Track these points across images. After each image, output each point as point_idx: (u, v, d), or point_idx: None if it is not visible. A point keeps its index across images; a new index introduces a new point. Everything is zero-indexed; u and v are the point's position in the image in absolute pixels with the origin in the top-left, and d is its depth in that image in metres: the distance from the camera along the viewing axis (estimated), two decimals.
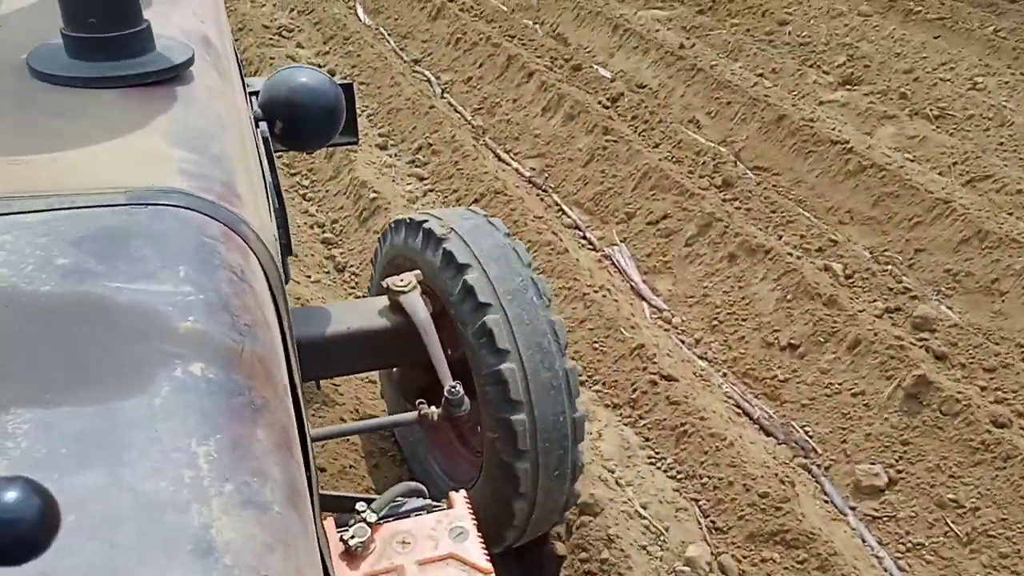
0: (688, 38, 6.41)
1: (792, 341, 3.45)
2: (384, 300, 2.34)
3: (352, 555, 1.39)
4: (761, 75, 5.82)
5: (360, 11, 7.16)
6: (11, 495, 0.41)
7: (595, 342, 3.45)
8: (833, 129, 4.89)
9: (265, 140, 1.79)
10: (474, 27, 6.33)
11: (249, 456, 0.66)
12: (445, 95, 5.89)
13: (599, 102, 5.31)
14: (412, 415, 2.21)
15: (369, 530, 1.42)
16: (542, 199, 4.71)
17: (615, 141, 4.78)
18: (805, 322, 3.47)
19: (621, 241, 4.29)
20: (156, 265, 0.78)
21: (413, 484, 1.59)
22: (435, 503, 1.55)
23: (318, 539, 0.80)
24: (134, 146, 0.95)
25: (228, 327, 0.75)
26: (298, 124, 1.94)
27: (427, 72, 6.17)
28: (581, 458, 2.30)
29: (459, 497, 1.53)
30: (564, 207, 4.61)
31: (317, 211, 4.61)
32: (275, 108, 1.91)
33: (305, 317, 2.32)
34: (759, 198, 4.31)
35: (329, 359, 2.29)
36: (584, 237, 4.39)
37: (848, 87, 5.67)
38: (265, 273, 0.92)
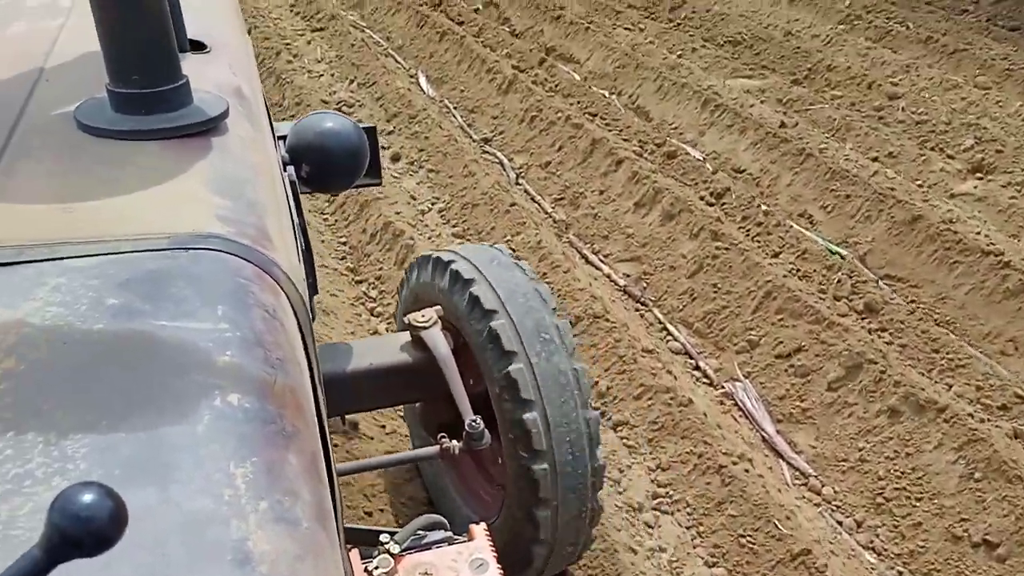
0: (785, 112, 5.80)
1: (988, 537, 2.77)
2: (406, 336, 2.38)
3: None
4: (876, 159, 5.18)
5: (423, 81, 6.65)
6: (88, 496, 0.46)
7: (741, 536, 2.80)
8: (979, 234, 4.22)
9: (292, 183, 1.82)
10: (550, 104, 5.77)
11: (282, 478, 0.73)
12: (520, 181, 5.32)
13: (701, 197, 4.70)
14: (434, 449, 2.25)
15: (392, 561, 1.45)
16: (642, 316, 4.09)
17: (726, 248, 4.16)
18: (1003, 511, 2.79)
19: (745, 376, 3.65)
20: (196, 305, 0.85)
21: (435, 517, 1.63)
22: (456, 535, 1.58)
23: (344, 569, 0.84)
24: (174, 193, 1.03)
25: (262, 361, 0.83)
26: (324, 167, 1.99)
27: (499, 153, 5.62)
28: (600, 504, 2.34)
29: (479, 530, 1.57)
30: (669, 327, 3.98)
31: (387, 330, 4.03)
32: (302, 152, 1.97)
33: (330, 354, 2.36)
34: (913, 331, 3.65)
35: (353, 394, 2.34)
36: (697, 367, 3.76)
37: (980, 176, 5.00)
38: (295, 311, 0.99)
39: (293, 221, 1.53)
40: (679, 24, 7.50)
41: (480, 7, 8.11)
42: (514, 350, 2.15)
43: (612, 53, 6.73)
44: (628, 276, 4.37)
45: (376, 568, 1.44)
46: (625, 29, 7.42)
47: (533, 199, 5.11)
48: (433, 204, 4.99)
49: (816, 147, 5.12)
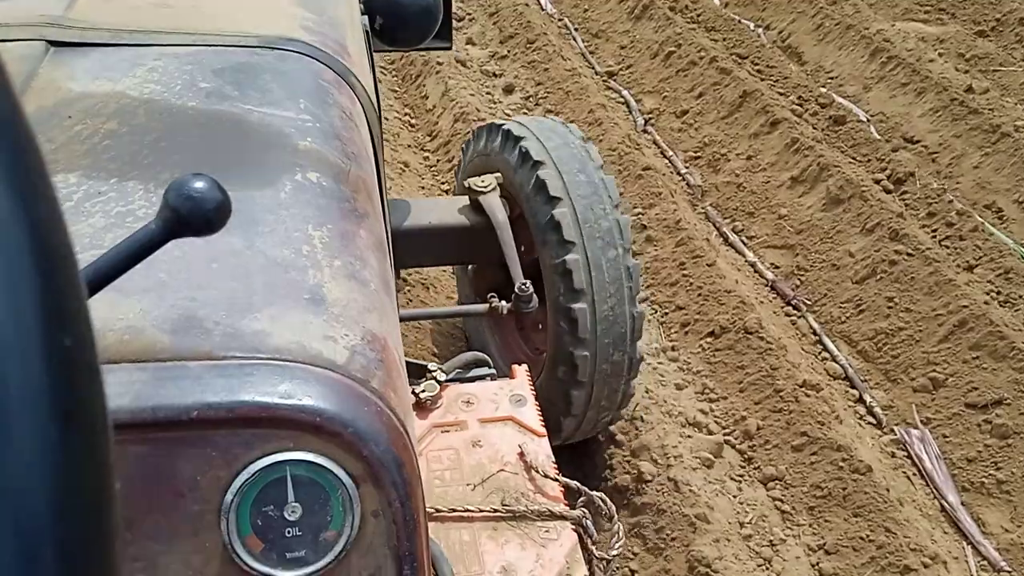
0: (968, 71, 4.89)
1: None
2: (465, 199, 2.43)
3: (422, 407, 1.50)
4: None
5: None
6: (199, 183, 0.51)
7: None
8: None
9: (366, 33, 1.81)
10: (691, 38, 4.96)
11: (353, 246, 0.81)
12: (649, 128, 4.59)
13: (877, 181, 3.93)
14: (483, 307, 2.34)
15: (438, 387, 1.52)
16: (793, 323, 3.43)
17: (908, 254, 3.43)
18: None
19: (923, 423, 2.99)
20: (281, 96, 0.94)
21: (480, 355, 1.72)
22: (498, 374, 1.67)
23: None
24: (264, 1, 1.11)
25: (339, 151, 0.91)
26: (397, 21, 2.04)
27: (625, 92, 4.87)
28: (632, 390, 2.43)
29: (521, 370, 1.63)
30: (826, 340, 3.32)
31: None
32: (376, 3, 2.00)
33: (391, 208, 2.33)
34: None
35: (410, 250, 2.37)
36: (860, 400, 3.11)
37: None
38: (368, 121, 1.08)
39: (370, 64, 1.54)
40: None
41: None
42: (573, 240, 2.19)
43: None
44: (777, 268, 3.68)
45: (423, 391, 1.50)
46: None
47: (663, 153, 4.40)
48: None
49: (1012, 124, 4.25)
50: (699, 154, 4.36)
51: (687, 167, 4.30)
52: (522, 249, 2.34)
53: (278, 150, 0.85)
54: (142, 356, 0.65)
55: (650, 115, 4.69)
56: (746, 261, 3.74)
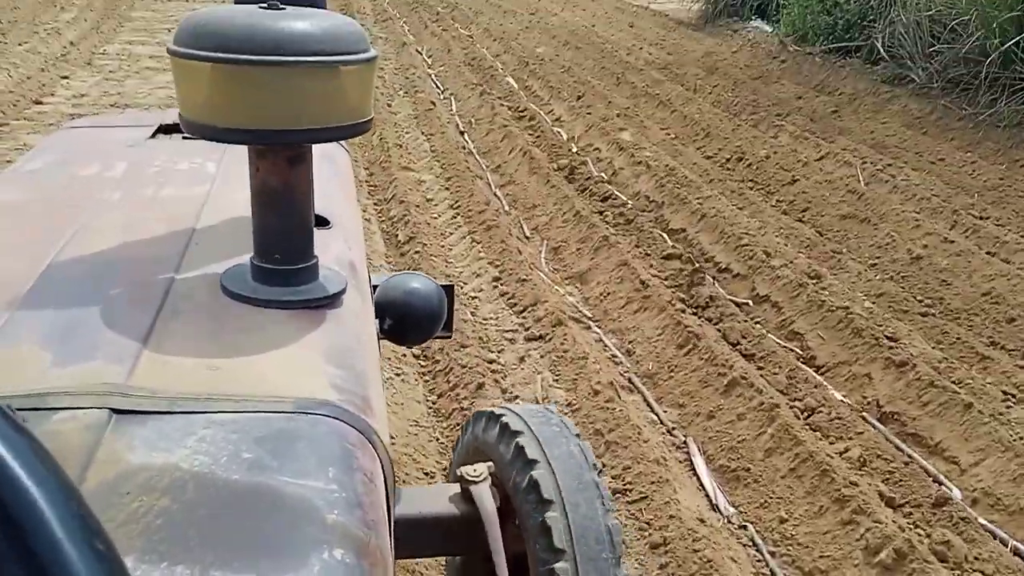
0: None
1: None
2: (456, 488, 2.43)
3: None
4: None
5: (700, 465, 3.81)
6: None
7: None
8: None
9: (376, 333, 1.94)
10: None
11: None
12: None
13: None
14: None
15: None
16: None
17: None
18: None
19: None
20: (313, 464, 1.01)
21: None
22: None
23: None
24: (299, 360, 1.22)
25: (360, 521, 0.96)
26: (405, 323, 2.21)
27: None
28: None
29: None
30: None
31: None
32: (386, 307, 2.18)
33: None
34: None
35: (399, 541, 2.18)
36: None
37: None
38: (384, 475, 1.14)
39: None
40: None
41: (750, 303, 5.52)
42: (551, 499, 2.17)
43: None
44: None
45: None
46: (1013, 396, 4.54)
47: None
48: None
49: None
50: None
51: None
52: (510, 544, 2.20)
53: (309, 526, 0.90)
54: None
55: None
56: None
